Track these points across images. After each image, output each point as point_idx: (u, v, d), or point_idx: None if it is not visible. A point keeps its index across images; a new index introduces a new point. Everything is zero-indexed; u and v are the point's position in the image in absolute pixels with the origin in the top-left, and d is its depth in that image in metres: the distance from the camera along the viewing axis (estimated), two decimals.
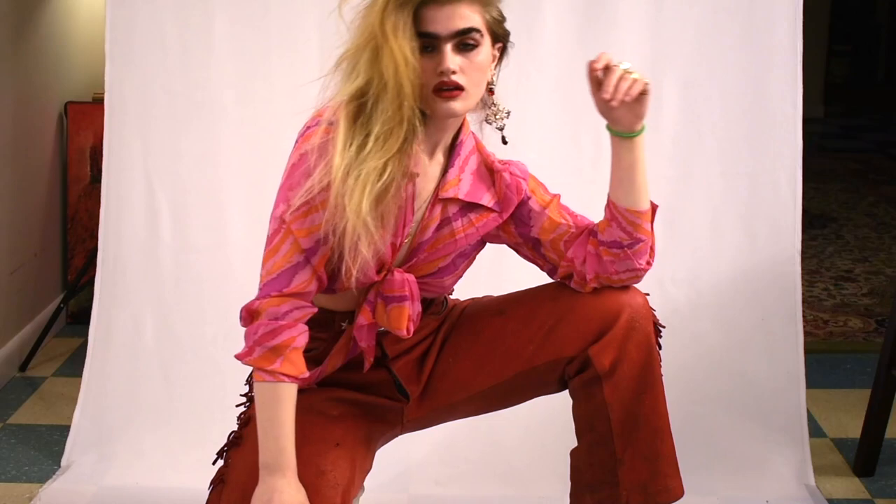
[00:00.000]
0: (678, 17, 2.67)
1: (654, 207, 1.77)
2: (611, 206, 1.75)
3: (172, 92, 2.68)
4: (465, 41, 1.60)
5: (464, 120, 1.73)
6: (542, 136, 2.63)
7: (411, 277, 1.70)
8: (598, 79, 1.66)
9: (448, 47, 1.59)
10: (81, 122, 3.54)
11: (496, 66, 1.69)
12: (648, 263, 1.77)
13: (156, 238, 2.70)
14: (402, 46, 1.55)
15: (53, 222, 3.53)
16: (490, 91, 1.69)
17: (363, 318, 1.71)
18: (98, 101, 3.33)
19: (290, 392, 1.64)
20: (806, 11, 2.64)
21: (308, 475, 1.62)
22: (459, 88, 1.60)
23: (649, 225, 1.75)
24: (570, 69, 2.61)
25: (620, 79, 1.65)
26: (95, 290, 2.71)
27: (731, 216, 2.70)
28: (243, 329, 1.66)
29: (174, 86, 2.68)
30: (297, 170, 1.61)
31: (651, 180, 2.65)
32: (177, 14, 2.66)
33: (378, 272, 1.68)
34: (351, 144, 1.55)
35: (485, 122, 1.73)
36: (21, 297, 3.26)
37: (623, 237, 1.73)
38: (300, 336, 1.64)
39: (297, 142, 1.64)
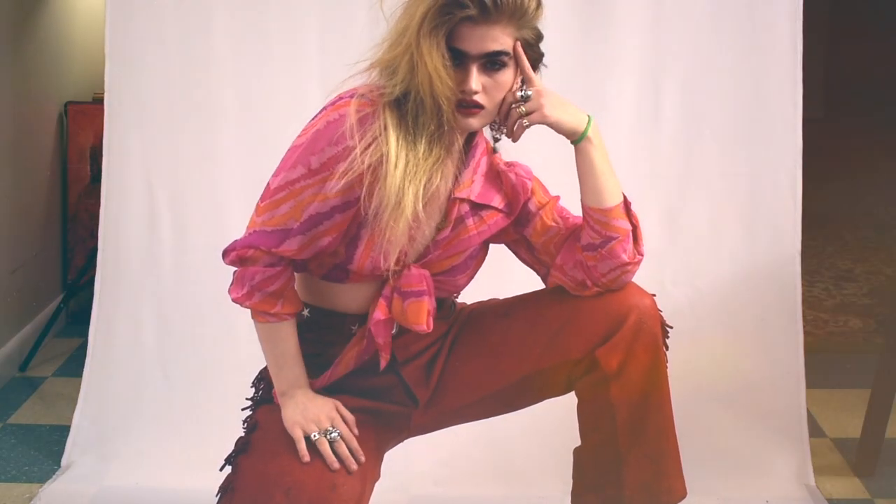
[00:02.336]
0: (678, 17, 2.67)
1: (627, 203, 1.77)
2: (582, 208, 1.77)
3: (172, 92, 2.68)
4: (491, 62, 1.62)
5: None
6: (543, 136, 2.63)
7: (427, 273, 1.71)
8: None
9: (475, 66, 1.61)
10: (81, 122, 3.54)
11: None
12: (635, 257, 1.76)
13: (156, 238, 2.70)
14: (437, 66, 1.57)
15: (53, 222, 3.53)
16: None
17: (380, 313, 1.71)
18: (98, 101, 3.32)
19: (292, 326, 1.74)
20: (806, 11, 2.64)
21: (320, 490, 1.63)
22: (479, 107, 1.63)
23: (622, 221, 1.74)
24: (571, 70, 2.61)
25: (509, 113, 1.69)
26: (95, 290, 2.71)
27: (731, 216, 2.70)
28: (230, 268, 1.71)
29: (174, 86, 2.68)
30: (322, 136, 1.61)
31: (651, 180, 2.68)
32: (176, 14, 2.66)
33: (394, 262, 1.68)
34: (401, 148, 1.59)
35: (489, 127, 1.75)
36: (21, 297, 3.26)
37: (594, 237, 1.74)
38: (292, 276, 1.73)
39: (324, 109, 1.64)
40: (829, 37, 7.10)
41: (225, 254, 1.70)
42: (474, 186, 1.74)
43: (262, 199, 1.67)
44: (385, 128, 1.59)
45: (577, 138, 1.72)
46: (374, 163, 1.58)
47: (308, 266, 1.73)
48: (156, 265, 2.70)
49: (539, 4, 1.66)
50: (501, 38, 1.61)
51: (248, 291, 1.69)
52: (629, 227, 1.75)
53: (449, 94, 1.59)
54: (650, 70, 2.70)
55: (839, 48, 7.26)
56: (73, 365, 3.15)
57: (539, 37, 1.69)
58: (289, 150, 1.66)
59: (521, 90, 1.67)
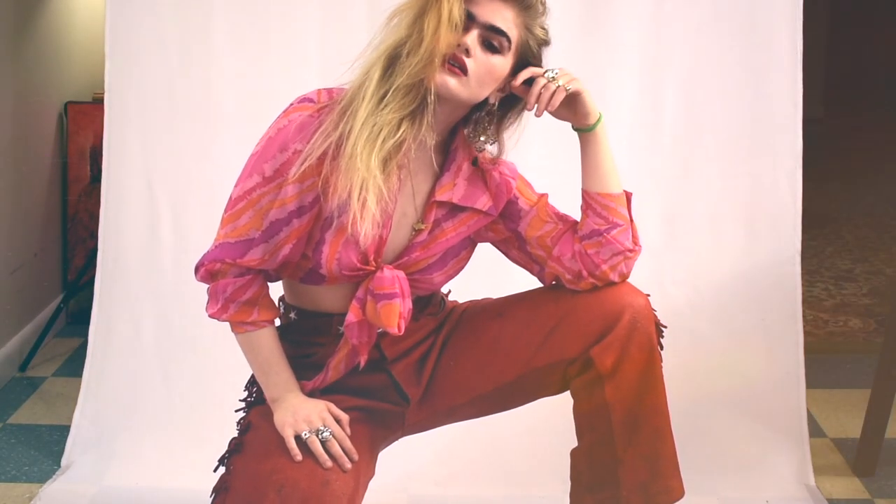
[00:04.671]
0: (678, 17, 2.67)
1: (628, 196, 1.79)
2: (584, 196, 1.78)
3: (172, 92, 2.68)
4: (490, 39, 1.64)
5: (460, 129, 1.75)
6: (542, 136, 2.63)
7: (401, 274, 1.71)
8: (515, 86, 1.70)
9: (475, 32, 1.63)
10: (81, 122, 3.54)
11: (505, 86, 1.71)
12: (634, 247, 1.77)
13: (156, 238, 2.70)
14: (453, 7, 1.59)
15: (53, 222, 3.54)
16: (489, 111, 1.73)
17: (352, 316, 1.71)
18: (98, 101, 3.33)
19: (272, 331, 1.76)
20: (806, 11, 2.65)
21: (313, 486, 1.63)
22: (463, 71, 1.63)
23: (625, 210, 1.77)
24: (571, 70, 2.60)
25: (543, 88, 1.69)
26: (95, 290, 2.71)
27: (731, 216, 2.71)
28: (203, 284, 1.74)
29: (174, 86, 2.68)
30: (274, 143, 1.65)
31: (651, 180, 2.68)
32: (177, 14, 2.66)
33: (363, 262, 1.69)
34: (373, 98, 1.59)
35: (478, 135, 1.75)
36: (21, 297, 3.26)
37: (600, 223, 1.75)
38: (265, 284, 1.74)
39: (278, 116, 1.68)
40: (829, 37, 7.10)
41: (195, 271, 1.74)
42: (456, 190, 1.74)
43: (225, 210, 1.70)
44: (366, 87, 1.59)
45: (594, 121, 1.74)
46: (331, 149, 1.60)
47: (282, 275, 1.75)
48: (156, 265, 2.70)
49: (545, 10, 1.71)
50: (508, 22, 1.64)
51: (223, 305, 1.72)
52: (629, 217, 1.78)
53: (451, 38, 1.59)
54: (650, 70, 2.70)
55: (839, 48, 7.26)
56: (73, 365, 3.15)
57: (539, 57, 1.71)
58: (248, 158, 1.69)
59: (550, 70, 1.70)
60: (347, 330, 1.72)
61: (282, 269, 1.73)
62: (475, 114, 1.73)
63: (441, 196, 1.73)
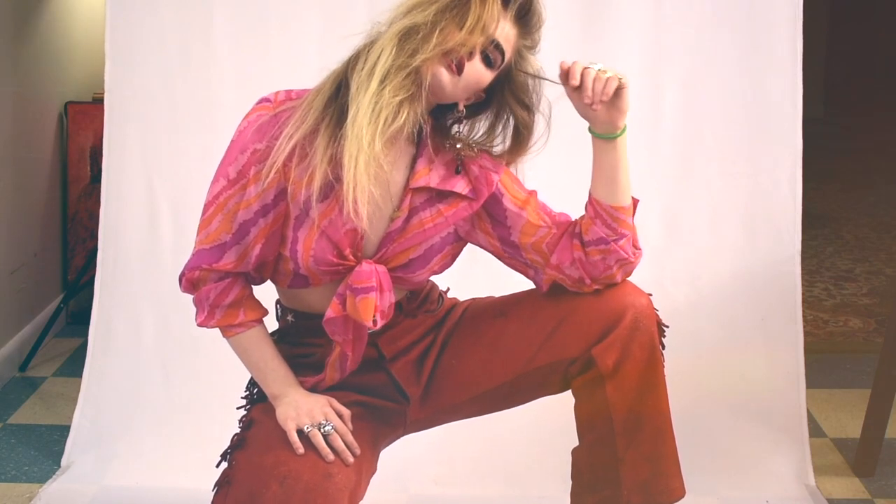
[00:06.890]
0: (678, 17, 2.67)
1: (634, 202, 1.78)
2: (594, 203, 1.76)
3: (172, 92, 2.68)
4: (490, 54, 1.66)
5: (428, 119, 1.74)
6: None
7: (381, 268, 1.71)
8: (574, 85, 1.69)
9: (481, 41, 1.64)
10: (81, 122, 3.54)
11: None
12: (636, 254, 1.77)
13: (156, 238, 2.70)
14: (495, 8, 1.62)
15: (53, 222, 3.54)
16: (457, 118, 1.75)
17: (331, 311, 1.71)
18: (98, 101, 3.33)
19: (262, 330, 1.78)
20: (806, 11, 2.65)
21: (316, 478, 1.63)
22: (459, 72, 1.64)
23: (631, 220, 1.76)
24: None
25: (595, 80, 1.67)
26: (95, 290, 2.71)
27: (731, 216, 2.71)
28: (189, 295, 1.76)
29: (174, 86, 2.68)
30: (235, 146, 1.70)
31: (651, 180, 2.68)
32: (177, 14, 2.66)
33: (339, 257, 1.69)
34: (378, 74, 1.60)
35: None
36: (21, 297, 3.26)
37: (608, 233, 1.74)
38: (247, 285, 1.76)
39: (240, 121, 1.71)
40: (828, 36, 7.11)
41: (179, 282, 1.76)
42: (432, 175, 1.73)
43: (200, 217, 1.73)
44: (382, 51, 1.60)
45: (622, 129, 1.72)
46: (297, 150, 1.63)
47: (264, 277, 1.77)
48: (156, 265, 2.70)
49: (538, 45, 1.72)
50: (509, 44, 1.67)
51: (209, 312, 1.74)
52: (633, 226, 1.77)
53: (474, 40, 1.61)
54: (650, 70, 2.70)
55: (839, 47, 7.26)
56: (73, 365, 3.15)
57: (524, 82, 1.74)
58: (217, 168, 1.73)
59: (594, 63, 1.69)
60: (327, 326, 1.71)
61: (262, 271, 1.74)
62: (444, 117, 1.75)
63: (416, 183, 1.72)
